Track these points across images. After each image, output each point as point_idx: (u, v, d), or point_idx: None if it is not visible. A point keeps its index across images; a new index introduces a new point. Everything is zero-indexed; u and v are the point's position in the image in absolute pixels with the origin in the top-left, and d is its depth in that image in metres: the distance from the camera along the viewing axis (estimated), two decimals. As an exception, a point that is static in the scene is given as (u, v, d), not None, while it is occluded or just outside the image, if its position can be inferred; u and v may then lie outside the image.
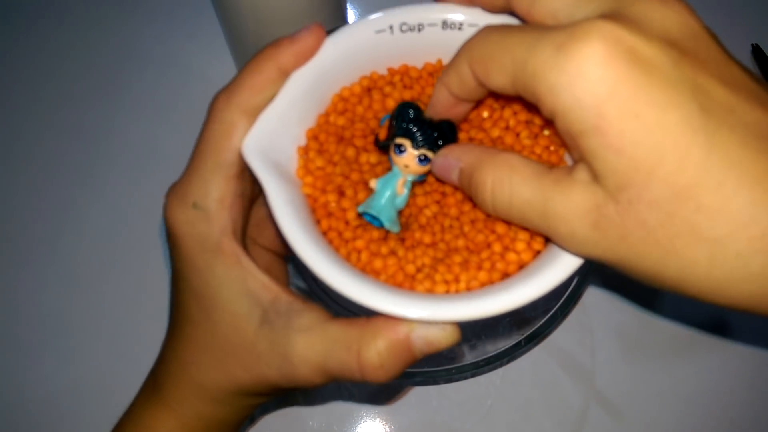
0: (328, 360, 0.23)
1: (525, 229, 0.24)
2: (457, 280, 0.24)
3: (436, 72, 0.28)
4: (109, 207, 0.45)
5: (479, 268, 0.24)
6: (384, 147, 0.26)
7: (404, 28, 0.26)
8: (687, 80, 0.19)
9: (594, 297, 0.42)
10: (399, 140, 0.25)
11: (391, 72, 0.28)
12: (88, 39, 0.50)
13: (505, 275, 0.24)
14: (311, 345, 0.23)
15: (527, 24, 0.22)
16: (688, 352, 0.41)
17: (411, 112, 0.25)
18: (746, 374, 0.40)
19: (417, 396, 0.40)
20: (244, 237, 0.26)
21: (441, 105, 0.25)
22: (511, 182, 0.22)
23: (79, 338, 0.41)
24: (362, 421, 0.39)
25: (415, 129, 0.25)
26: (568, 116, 0.19)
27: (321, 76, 0.26)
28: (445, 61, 0.28)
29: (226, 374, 0.25)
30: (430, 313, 0.22)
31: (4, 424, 0.39)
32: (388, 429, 0.39)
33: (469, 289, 0.24)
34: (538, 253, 0.24)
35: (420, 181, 0.26)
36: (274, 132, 0.24)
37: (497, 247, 0.24)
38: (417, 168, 0.25)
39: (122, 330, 0.41)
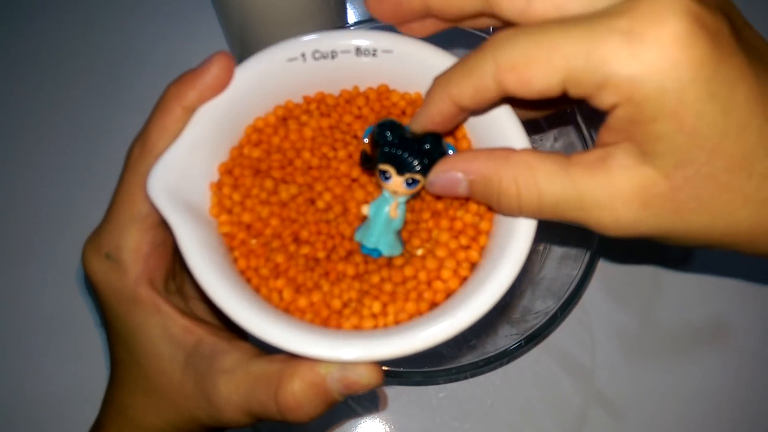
0: (250, 400, 0.23)
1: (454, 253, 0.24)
2: (384, 313, 0.23)
3: (352, 99, 0.27)
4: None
5: (406, 299, 0.23)
6: (369, 168, 0.25)
7: (317, 55, 0.26)
8: (744, 49, 0.19)
9: (594, 297, 0.42)
10: (383, 166, 0.23)
11: (307, 100, 0.27)
12: (88, 39, 0.50)
13: (433, 304, 0.23)
14: (234, 386, 0.23)
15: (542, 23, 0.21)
16: (688, 352, 0.41)
17: (388, 134, 0.23)
18: (746, 374, 0.40)
19: (417, 396, 0.40)
20: (170, 281, 0.26)
21: (440, 117, 0.23)
22: (536, 181, 0.21)
23: (79, 338, 0.41)
24: (362, 420, 0.39)
25: (398, 153, 0.23)
26: (643, 105, 0.18)
27: (231, 107, 0.25)
28: (362, 87, 0.27)
29: (161, 416, 0.25)
30: (343, 354, 0.21)
31: (4, 424, 0.39)
32: (388, 429, 0.39)
33: (397, 321, 0.23)
34: (464, 279, 0.24)
35: (414, 197, 0.25)
36: (182, 168, 0.23)
37: (423, 276, 0.24)
38: (406, 191, 0.24)
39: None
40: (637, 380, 0.40)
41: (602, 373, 0.40)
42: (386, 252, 0.24)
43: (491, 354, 0.33)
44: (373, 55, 0.26)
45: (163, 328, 0.24)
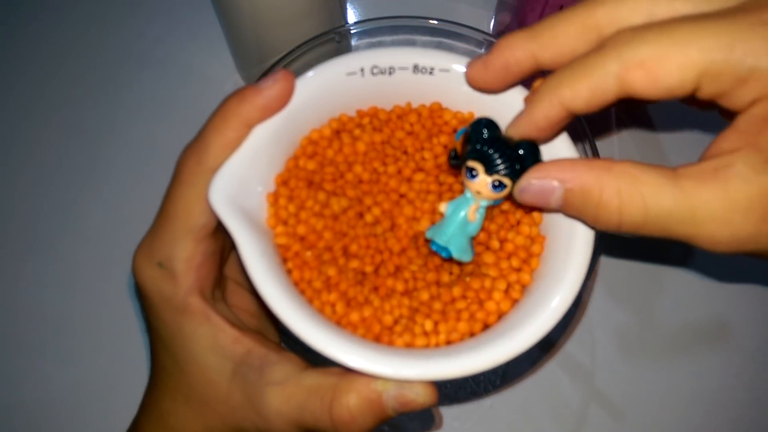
0: (302, 413, 0.23)
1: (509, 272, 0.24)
2: (436, 332, 0.23)
3: (404, 114, 0.27)
4: (109, 207, 0.45)
5: (458, 318, 0.23)
6: (456, 166, 0.24)
7: (375, 71, 0.26)
8: None
9: (594, 297, 0.42)
10: (471, 163, 0.23)
11: (360, 114, 0.27)
12: (88, 39, 0.50)
13: (486, 325, 0.23)
14: (286, 399, 0.23)
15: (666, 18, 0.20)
16: (688, 352, 0.41)
17: (485, 131, 0.23)
18: (746, 374, 0.40)
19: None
20: (216, 290, 0.26)
21: (546, 122, 0.21)
22: (642, 194, 0.19)
23: (79, 338, 0.41)
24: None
25: (490, 152, 0.22)
26: None
27: (289, 120, 0.25)
28: (415, 104, 0.27)
29: (204, 424, 0.25)
30: (404, 373, 0.21)
31: (4, 424, 0.39)
32: (387, 429, 0.39)
33: (449, 341, 0.23)
34: (516, 302, 0.24)
35: (496, 205, 0.24)
36: (242, 178, 0.23)
37: (472, 296, 0.24)
38: (490, 194, 0.23)
39: (122, 330, 0.41)
40: (637, 380, 0.40)
41: (602, 373, 0.40)
42: (456, 254, 0.23)
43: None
44: (430, 73, 0.26)
45: (212, 337, 0.24)
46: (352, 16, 0.51)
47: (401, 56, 0.26)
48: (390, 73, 0.26)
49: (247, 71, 0.46)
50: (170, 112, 0.47)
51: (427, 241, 0.25)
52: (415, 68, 0.26)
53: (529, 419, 0.39)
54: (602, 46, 0.20)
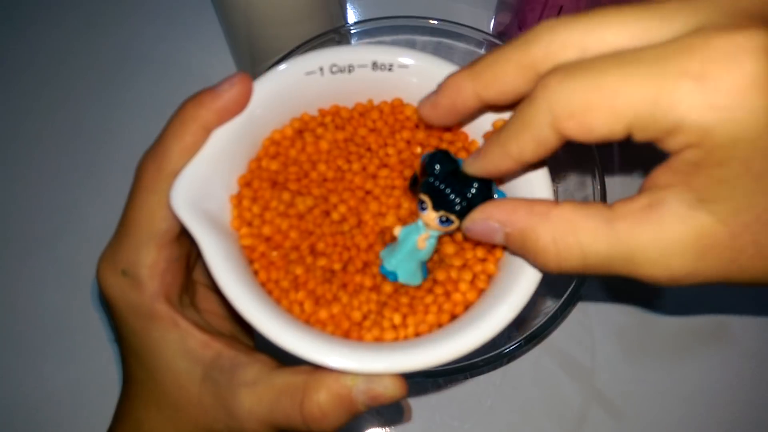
0: (274, 412, 0.23)
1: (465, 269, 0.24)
2: (405, 324, 0.23)
3: (366, 112, 0.27)
4: (109, 207, 0.45)
5: (426, 311, 0.24)
6: (415, 192, 0.24)
7: (334, 69, 0.26)
8: None
9: (594, 297, 0.42)
10: (421, 195, 0.23)
11: (322, 113, 0.27)
12: (88, 39, 0.50)
13: (453, 316, 0.24)
14: (257, 399, 0.23)
15: (598, 55, 0.19)
16: (688, 352, 0.41)
17: (437, 167, 0.23)
18: (746, 374, 0.40)
19: (417, 395, 0.40)
20: (183, 296, 0.26)
21: (498, 173, 0.22)
22: (579, 240, 0.20)
23: (79, 338, 0.41)
24: (362, 420, 0.39)
25: (441, 188, 0.23)
26: (714, 151, 0.17)
27: (250, 121, 0.25)
28: (376, 101, 0.27)
29: (177, 430, 0.25)
30: (371, 366, 0.21)
31: (4, 425, 0.39)
32: (387, 429, 0.39)
33: (418, 333, 0.23)
34: (482, 291, 0.24)
35: (447, 235, 0.24)
36: (203, 182, 0.23)
37: (440, 289, 0.24)
38: (437, 227, 0.23)
39: (122, 330, 0.41)
40: (637, 380, 0.40)
41: (602, 373, 0.40)
42: (402, 279, 0.24)
43: (491, 354, 0.33)
44: (389, 69, 0.26)
45: (180, 343, 0.24)
46: (352, 16, 0.51)
47: (360, 54, 0.26)
48: (349, 71, 0.26)
49: (247, 71, 0.46)
50: (170, 112, 0.47)
51: (392, 240, 0.25)
52: (374, 65, 0.26)
53: (529, 419, 0.39)
54: (534, 95, 0.20)
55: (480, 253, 0.25)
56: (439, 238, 0.25)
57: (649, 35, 0.19)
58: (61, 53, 0.50)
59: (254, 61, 0.43)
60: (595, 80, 0.18)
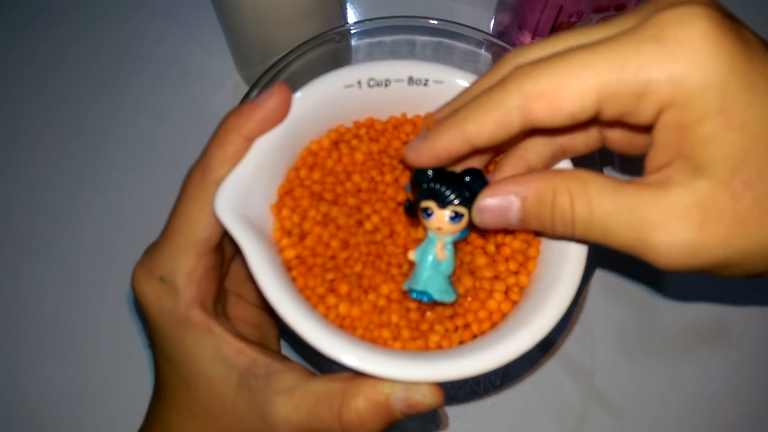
0: (311, 419, 0.23)
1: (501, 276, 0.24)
2: (440, 334, 0.24)
3: (400, 125, 0.28)
4: (109, 207, 0.45)
5: (465, 321, 0.24)
6: (413, 212, 0.25)
7: (372, 83, 0.27)
8: (764, 45, 0.19)
9: (594, 297, 0.42)
10: (424, 203, 0.23)
11: (357, 125, 0.28)
12: (88, 39, 0.50)
13: (492, 325, 0.24)
14: (294, 406, 0.23)
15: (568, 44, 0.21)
16: (688, 352, 0.41)
17: (429, 171, 0.23)
18: (746, 374, 0.40)
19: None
20: (217, 304, 0.26)
21: (446, 155, 0.22)
22: (588, 195, 0.20)
23: (79, 338, 0.41)
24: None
25: (438, 186, 0.23)
26: (688, 105, 0.18)
27: (290, 131, 0.25)
28: (410, 114, 0.28)
29: None
30: (411, 374, 0.22)
31: (4, 425, 0.39)
32: (387, 429, 0.39)
33: (460, 342, 0.24)
34: (515, 303, 0.24)
35: (462, 239, 0.25)
36: (246, 189, 0.24)
37: (475, 302, 0.24)
38: (450, 227, 0.23)
39: (122, 330, 0.41)
40: (637, 380, 0.40)
41: (602, 373, 0.40)
42: (437, 296, 0.24)
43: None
44: (425, 84, 0.27)
45: (215, 349, 0.24)
46: (352, 16, 0.51)
47: (397, 69, 0.27)
48: (386, 85, 0.27)
49: (247, 71, 0.46)
50: (170, 112, 0.47)
51: (410, 266, 0.25)
52: (410, 80, 0.27)
53: (529, 419, 0.39)
54: (503, 81, 0.20)
55: (513, 265, 0.25)
56: (467, 250, 0.25)
57: (609, 31, 0.20)
58: (61, 53, 0.50)
59: (254, 61, 0.43)
60: (565, 62, 0.19)
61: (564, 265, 0.23)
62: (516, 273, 0.25)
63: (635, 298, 0.42)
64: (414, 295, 0.24)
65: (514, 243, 0.25)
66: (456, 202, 0.23)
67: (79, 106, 0.48)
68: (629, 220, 0.19)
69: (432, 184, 0.23)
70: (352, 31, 0.40)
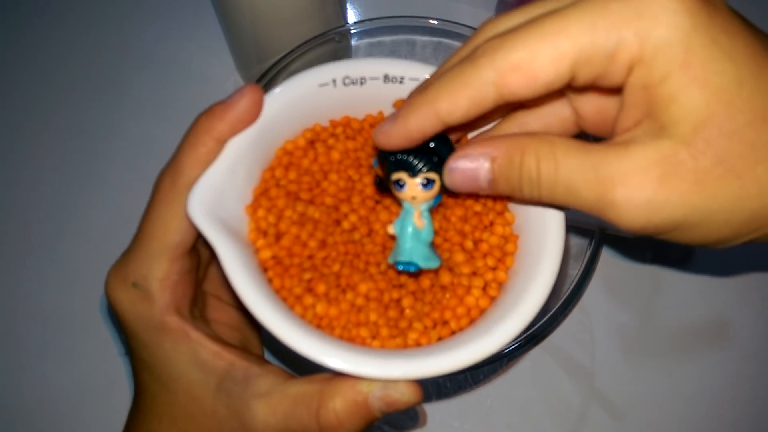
0: (289, 422, 0.23)
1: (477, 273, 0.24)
2: (417, 331, 0.23)
3: (376, 123, 0.28)
4: (109, 207, 0.45)
5: (440, 318, 0.24)
6: (384, 188, 0.25)
7: (347, 81, 0.27)
8: (728, 6, 0.19)
9: (594, 297, 0.42)
10: (395, 175, 0.23)
11: (333, 124, 0.28)
12: (88, 39, 0.50)
13: (470, 322, 0.24)
14: (272, 409, 0.23)
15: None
16: (688, 352, 0.41)
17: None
18: (746, 374, 0.40)
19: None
20: (194, 307, 0.26)
21: (419, 134, 0.22)
22: (555, 155, 0.20)
23: (79, 338, 0.41)
24: (373, 428, 0.39)
25: (405, 157, 0.23)
26: (654, 61, 0.18)
27: (264, 132, 0.25)
28: (386, 112, 0.28)
29: None
30: (389, 373, 0.21)
31: (4, 424, 0.39)
32: (386, 429, 0.39)
33: (430, 340, 0.24)
34: (493, 299, 0.24)
35: (437, 204, 0.25)
36: (219, 190, 0.24)
37: (453, 298, 0.24)
38: (424, 195, 0.23)
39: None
40: (637, 380, 0.40)
41: (602, 373, 0.40)
42: (423, 264, 0.24)
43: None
44: (400, 82, 0.27)
45: (192, 354, 0.24)
46: (352, 16, 0.51)
47: (372, 67, 0.27)
48: (362, 84, 0.27)
49: (247, 71, 0.46)
50: (170, 112, 0.47)
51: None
52: (386, 78, 0.27)
53: (529, 419, 0.39)
54: (473, 56, 0.20)
55: (490, 261, 0.25)
56: (445, 247, 0.25)
57: None
58: (61, 53, 0.50)
59: (254, 61, 0.43)
60: (537, 30, 0.19)
61: (541, 261, 0.23)
62: (494, 269, 0.25)
63: (635, 298, 0.42)
64: (400, 267, 0.24)
65: (492, 239, 0.25)
66: (426, 169, 0.23)
67: (80, 106, 0.48)
68: (593, 177, 0.19)
69: (399, 156, 0.23)
70: (352, 31, 0.40)
